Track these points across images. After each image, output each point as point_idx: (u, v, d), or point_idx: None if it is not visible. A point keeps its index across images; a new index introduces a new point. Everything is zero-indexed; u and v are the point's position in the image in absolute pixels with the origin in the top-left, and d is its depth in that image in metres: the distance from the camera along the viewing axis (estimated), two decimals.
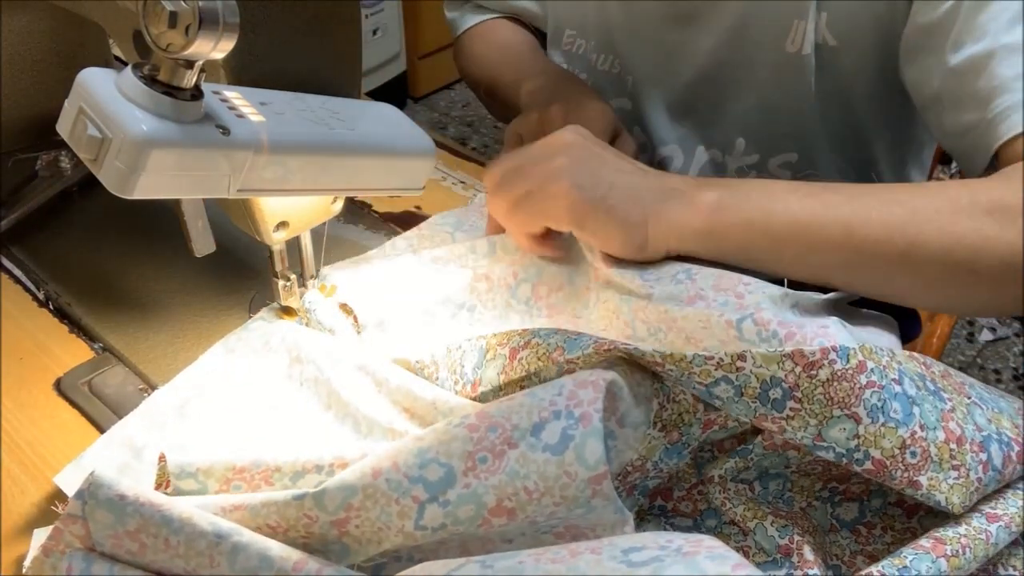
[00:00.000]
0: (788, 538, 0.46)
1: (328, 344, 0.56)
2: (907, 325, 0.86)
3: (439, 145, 0.84)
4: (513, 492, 0.40)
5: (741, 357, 0.44)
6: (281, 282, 0.59)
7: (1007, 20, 0.59)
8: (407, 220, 0.74)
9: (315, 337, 0.57)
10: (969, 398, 0.47)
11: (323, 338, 0.57)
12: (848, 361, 0.43)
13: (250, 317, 0.62)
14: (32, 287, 0.66)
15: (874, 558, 0.47)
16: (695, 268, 0.52)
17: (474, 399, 0.50)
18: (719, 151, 0.85)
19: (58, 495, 0.51)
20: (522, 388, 0.48)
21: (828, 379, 0.43)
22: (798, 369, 0.43)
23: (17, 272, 0.67)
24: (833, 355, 0.43)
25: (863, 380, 0.43)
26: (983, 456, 0.44)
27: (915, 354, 0.48)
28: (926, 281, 0.52)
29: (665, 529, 0.49)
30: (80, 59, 0.75)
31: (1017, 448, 0.46)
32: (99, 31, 0.56)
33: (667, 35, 0.80)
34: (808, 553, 0.46)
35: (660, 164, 0.88)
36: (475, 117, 2.65)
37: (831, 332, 0.44)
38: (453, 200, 0.76)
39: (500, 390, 0.50)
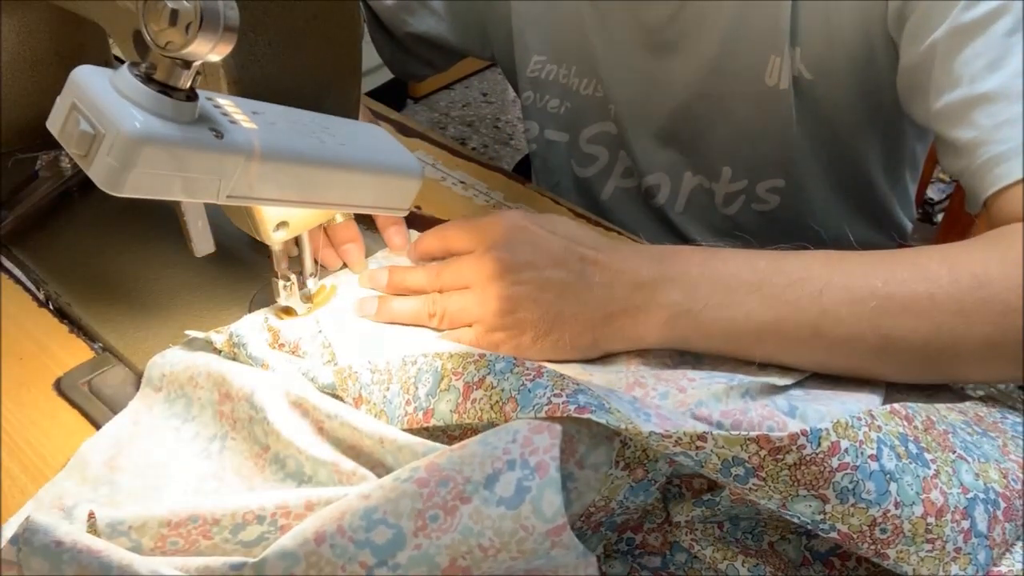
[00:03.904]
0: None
1: (259, 379, 0.52)
2: None
3: (439, 145, 0.84)
4: (467, 551, 0.39)
5: (701, 438, 0.41)
6: (281, 282, 0.59)
7: (982, 67, 0.56)
8: (408, 220, 0.74)
9: (242, 371, 0.53)
10: (954, 452, 0.45)
11: (252, 372, 0.53)
12: (819, 445, 0.41)
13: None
14: (32, 287, 0.66)
15: None
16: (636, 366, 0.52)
17: (425, 428, 0.48)
18: (706, 178, 0.84)
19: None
20: (475, 432, 0.45)
21: (795, 463, 0.41)
22: (763, 452, 0.41)
23: (17, 272, 0.67)
24: (803, 439, 0.40)
25: (835, 463, 0.41)
26: (965, 524, 0.43)
27: (896, 407, 0.46)
28: (905, 368, 0.50)
29: (633, 568, 0.47)
30: (80, 59, 0.74)
31: (1004, 505, 0.44)
32: (99, 31, 0.56)
33: (648, 64, 0.79)
34: None
35: (647, 192, 0.87)
36: (475, 117, 2.65)
37: (776, 414, 0.42)
38: (453, 200, 0.76)
39: (453, 429, 0.48)
